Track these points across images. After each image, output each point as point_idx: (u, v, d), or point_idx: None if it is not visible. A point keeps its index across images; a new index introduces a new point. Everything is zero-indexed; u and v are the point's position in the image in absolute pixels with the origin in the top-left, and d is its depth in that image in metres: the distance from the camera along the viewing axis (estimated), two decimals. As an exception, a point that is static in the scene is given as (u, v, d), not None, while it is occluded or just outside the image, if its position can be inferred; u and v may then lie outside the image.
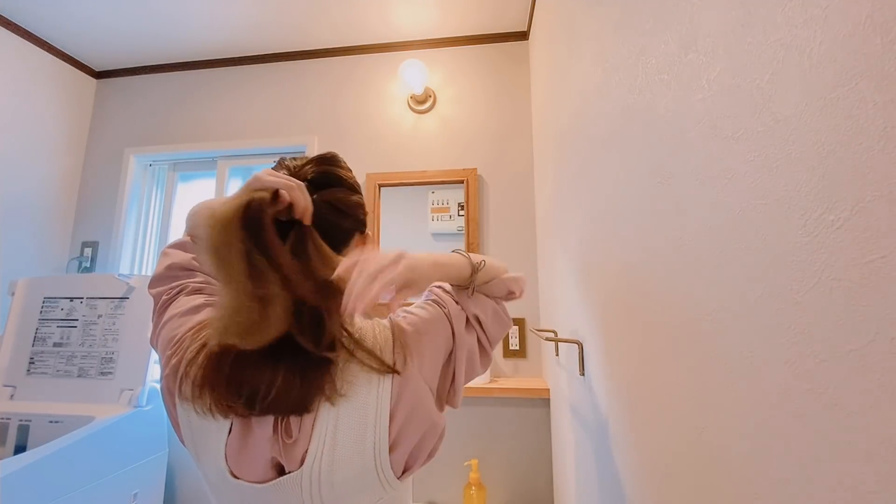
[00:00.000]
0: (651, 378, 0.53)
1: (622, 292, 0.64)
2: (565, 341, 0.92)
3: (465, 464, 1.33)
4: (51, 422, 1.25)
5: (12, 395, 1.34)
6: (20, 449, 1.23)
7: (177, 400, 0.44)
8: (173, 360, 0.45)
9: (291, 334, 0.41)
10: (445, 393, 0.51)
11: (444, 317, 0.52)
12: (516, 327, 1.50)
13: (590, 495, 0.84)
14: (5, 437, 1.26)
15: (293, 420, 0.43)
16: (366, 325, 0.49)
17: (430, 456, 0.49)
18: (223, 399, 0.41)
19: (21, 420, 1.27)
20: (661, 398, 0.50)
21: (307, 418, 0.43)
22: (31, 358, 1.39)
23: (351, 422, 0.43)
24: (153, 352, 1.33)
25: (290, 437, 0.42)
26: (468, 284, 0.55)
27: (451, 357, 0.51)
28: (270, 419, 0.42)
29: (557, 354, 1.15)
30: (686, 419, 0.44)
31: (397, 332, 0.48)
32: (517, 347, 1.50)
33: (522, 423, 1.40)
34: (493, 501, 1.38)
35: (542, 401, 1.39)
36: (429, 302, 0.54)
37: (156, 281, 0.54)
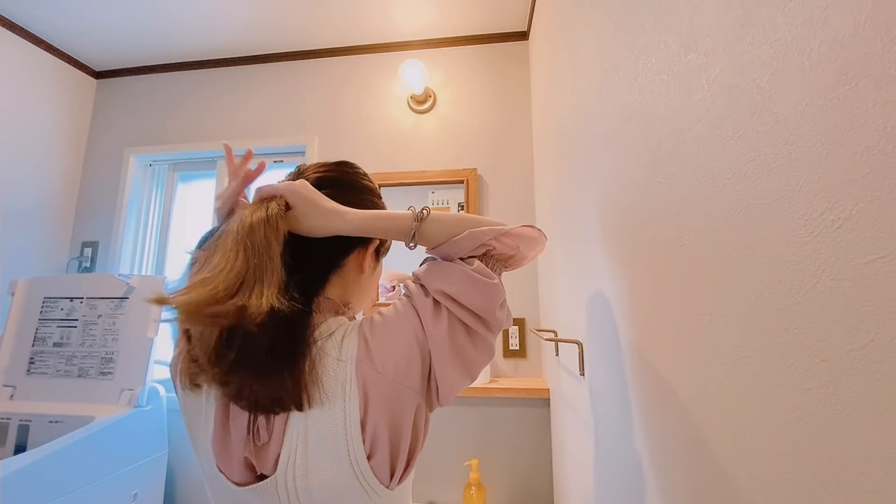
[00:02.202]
0: (650, 378, 0.53)
1: (621, 292, 0.64)
2: (565, 341, 0.92)
3: (465, 464, 1.33)
4: (51, 422, 1.25)
5: (12, 395, 1.34)
6: (20, 449, 1.23)
7: (178, 383, 0.47)
8: (182, 344, 0.47)
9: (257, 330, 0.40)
10: (433, 391, 0.46)
11: (412, 308, 0.47)
12: (516, 327, 1.50)
13: (590, 495, 0.84)
14: (5, 437, 1.25)
15: (265, 423, 0.42)
16: (337, 331, 0.46)
17: (411, 452, 0.45)
18: (217, 368, 0.41)
19: (21, 420, 1.26)
20: (661, 398, 0.50)
21: (278, 422, 0.42)
22: (31, 358, 1.38)
23: (320, 430, 0.42)
24: (153, 351, 1.34)
25: (261, 439, 0.42)
26: (412, 238, 0.50)
27: (427, 351, 0.45)
28: (245, 419, 0.43)
29: (557, 354, 1.15)
30: (686, 419, 0.44)
31: (362, 338, 0.45)
32: (517, 347, 1.50)
33: (522, 423, 1.40)
34: (493, 501, 1.38)
35: (542, 401, 1.39)
36: (400, 298, 0.50)
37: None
